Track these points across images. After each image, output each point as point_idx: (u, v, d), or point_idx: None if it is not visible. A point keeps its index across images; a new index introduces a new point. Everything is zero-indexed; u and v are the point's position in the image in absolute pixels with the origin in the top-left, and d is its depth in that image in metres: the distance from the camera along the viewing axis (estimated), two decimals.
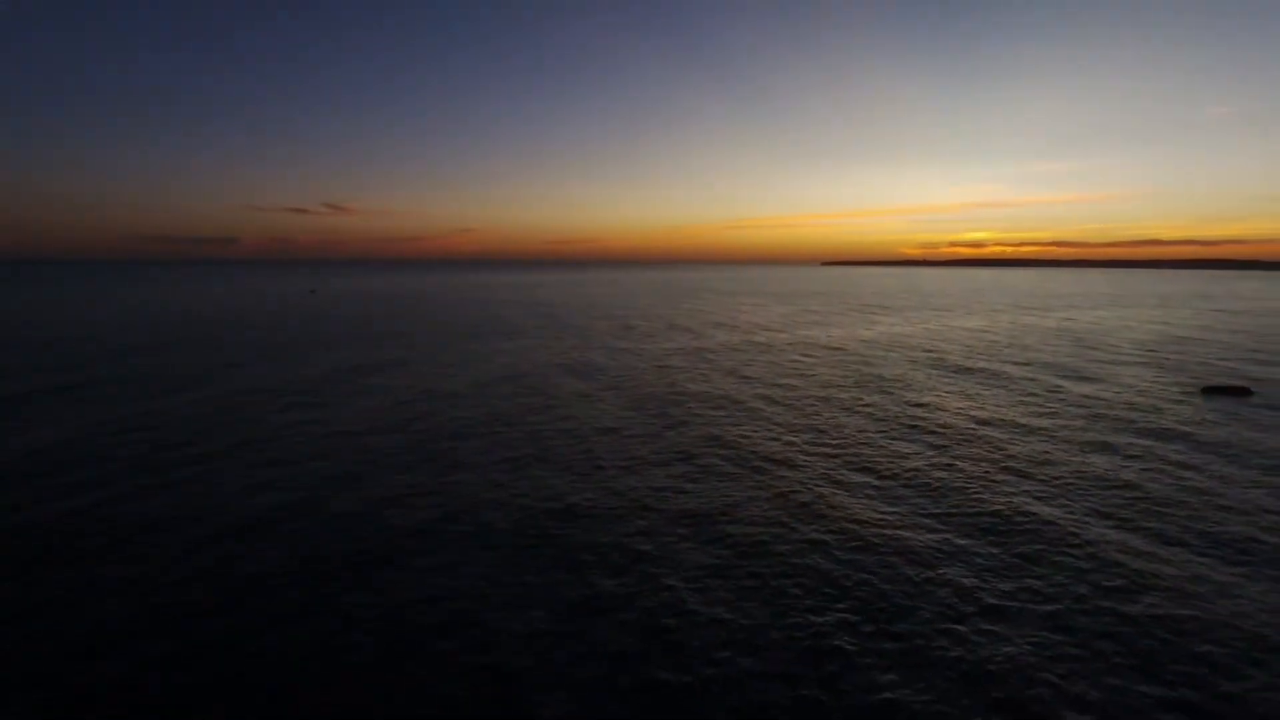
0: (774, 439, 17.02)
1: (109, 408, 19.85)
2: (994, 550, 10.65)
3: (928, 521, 11.79)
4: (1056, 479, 14.13)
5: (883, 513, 12.19)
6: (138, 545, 10.69)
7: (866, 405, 20.84)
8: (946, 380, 25.51)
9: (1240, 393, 22.43)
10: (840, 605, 8.91)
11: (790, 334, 42.66)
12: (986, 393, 22.89)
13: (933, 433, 17.67)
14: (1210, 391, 22.77)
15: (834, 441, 16.80)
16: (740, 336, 40.95)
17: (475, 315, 55.60)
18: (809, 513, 12.17)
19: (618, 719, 6.74)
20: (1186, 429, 18.10)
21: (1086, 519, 11.96)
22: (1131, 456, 15.65)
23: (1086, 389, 23.86)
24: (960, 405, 20.92)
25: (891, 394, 22.59)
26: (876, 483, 13.79)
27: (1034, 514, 12.13)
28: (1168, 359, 31.46)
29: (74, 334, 38.91)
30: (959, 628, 8.37)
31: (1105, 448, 16.40)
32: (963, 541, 10.93)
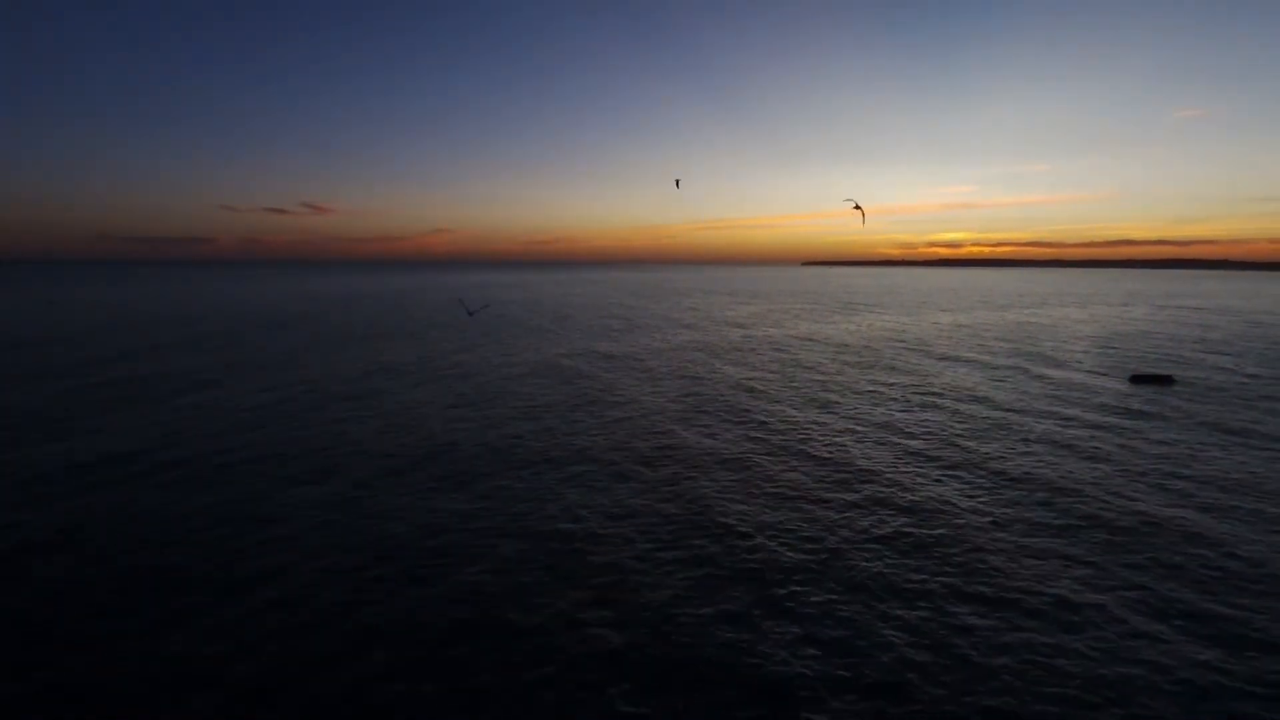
0: (779, 408, 19.48)
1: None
2: (931, 477, 13.20)
3: (888, 456, 14.33)
4: (990, 438, 16.72)
5: (856, 447, 14.72)
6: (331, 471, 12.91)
7: (857, 382, 23.43)
8: (916, 364, 28.16)
9: (1163, 380, 25.30)
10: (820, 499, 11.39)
11: (784, 329, 45.30)
12: (945, 375, 25.52)
13: (901, 401, 20.26)
14: (1137, 379, 25.63)
15: (832, 408, 19.33)
16: (739, 332, 43.50)
17: (486, 314, 57.64)
18: (809, 448, 14.69)
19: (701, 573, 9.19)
20: (1105, 405, 20.89)
21: (1007, 457, 14.59)
22: (1052, 425, 18.29)
23: (1030, 374, 26.68)
24: (924, 383, 23.51)
25: (871, 373, 25.20)
26: (861, 431, 16.36)
27: (969, 457, 14.71)
28: (1111, 351, 34.50)
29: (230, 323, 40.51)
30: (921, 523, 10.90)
31: (1033, 418, 19.07)
32: (906, 467, 13.48)
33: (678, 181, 26.80)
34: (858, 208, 20.04)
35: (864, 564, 10.41)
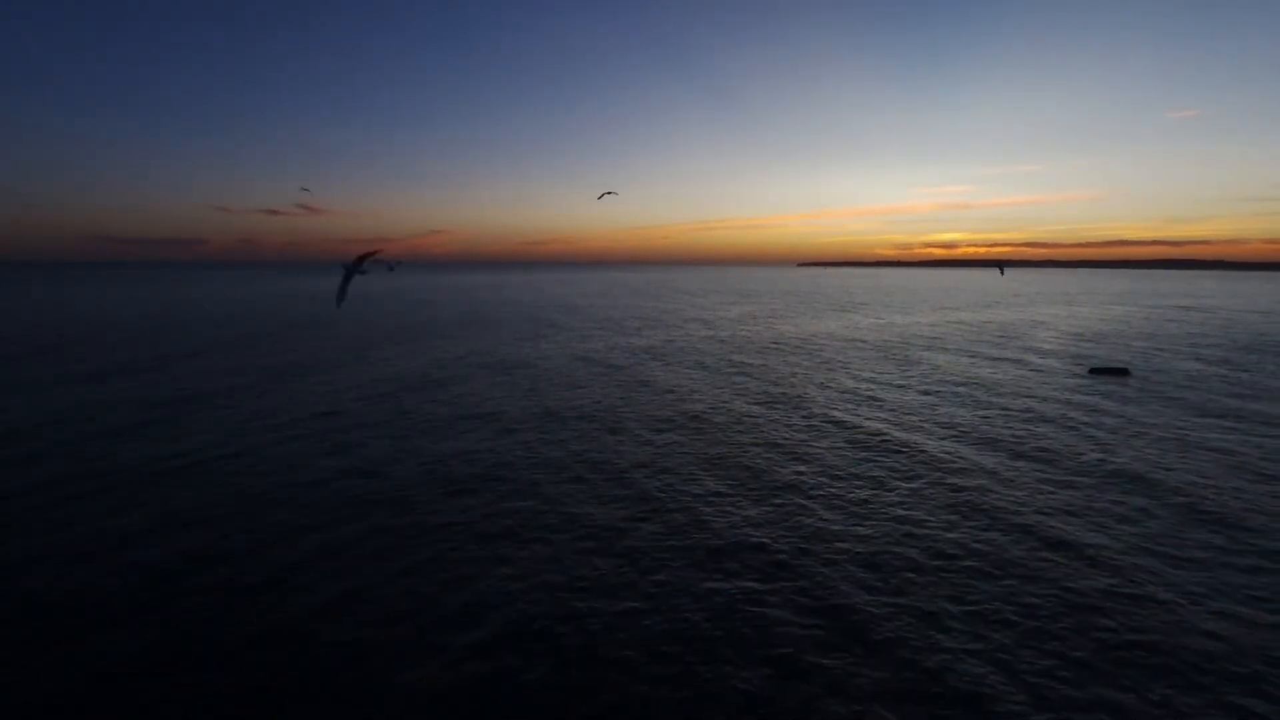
0: (780, 388, 21.68)
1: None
2: (902, 464, 15.37)
3: (879, 426, 16.51)
4: (955, 415, 18.88)
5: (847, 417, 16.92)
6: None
7: (849, 370, 25.63)
8: (903, 356, 30.43)
9: (1120, 372, 27.50)
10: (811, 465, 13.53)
11: (791, 325, 47.53)
12: (924, 365, 27.74)
13: (884, 384, 22.52)
14: (1096, 371, 27.83)
15: (833, 389, 21.53)
16: (747, 328, 45.72)
17: (509, 313, 59.81)
18: (809, 419, 16.88)
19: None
20: (1061, 392, 23.11)
21: (969, 427, 16.76)
22: (1009, 407, 20.46)
23: (999, 366, 28.95)
24: (906, 371, 25.74)
25: (860, 365, 27.40)
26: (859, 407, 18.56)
27: (933, 426, 16.88)
28: (1082, 346, 36.77)
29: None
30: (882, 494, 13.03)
31: (995, 404, 21.24)
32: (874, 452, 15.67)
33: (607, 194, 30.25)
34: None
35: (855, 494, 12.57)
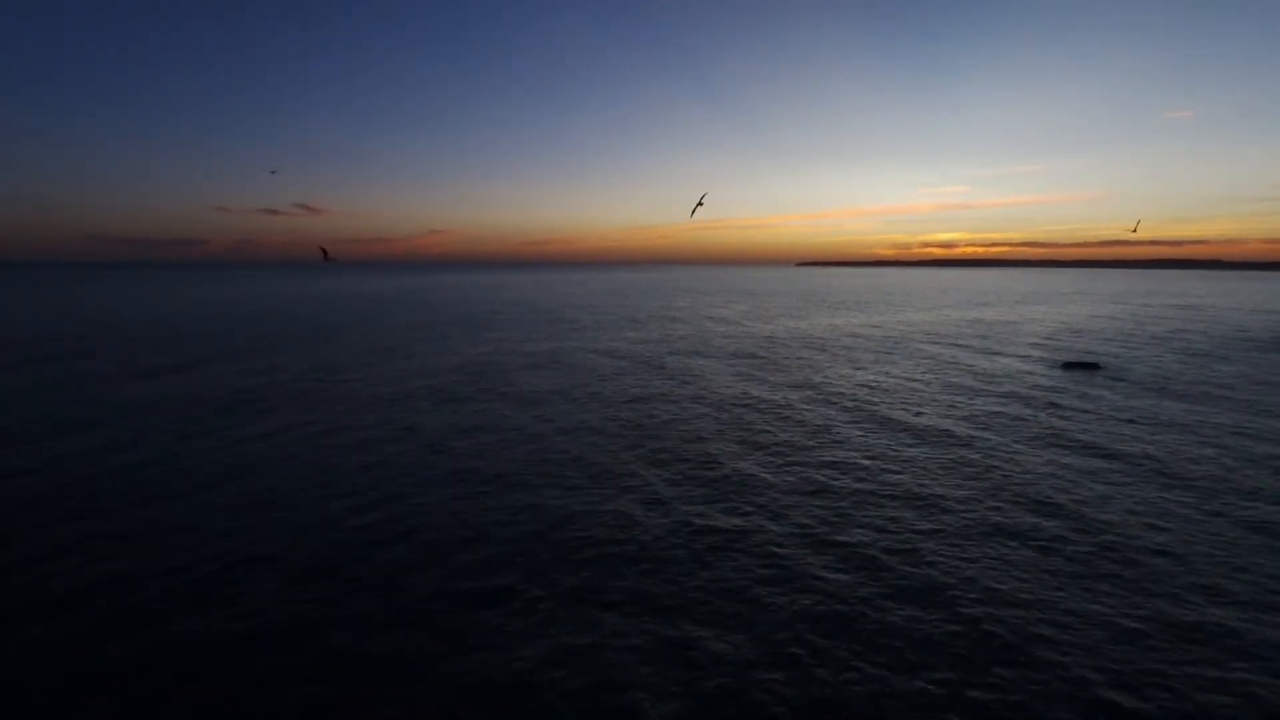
0: (766, 375, 23.85)
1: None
2: (885, 443, 17.50)
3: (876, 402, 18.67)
4: (937, 409, 21.02)
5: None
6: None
7: (846, 361, 27.82)
8: (895, 349, 32.66)
9: (1091, 367, 29.60)
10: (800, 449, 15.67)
11: (794, 321, 49.69)
12: (912, 358, 29.92)
13: (874, 374, 24.72)
14: (1069, 366, 29.95)
15: (831, 386, 23.74)
16: (754, 325, 47.92)
17: (523, 312, 61.90)
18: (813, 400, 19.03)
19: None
20: (1031, 384, 25.26)
21: (946, 427, 18.90)
22: (983, 398, 22.61)
23: (979, 359, 31.17)
24: (897, 365, 27.88)
25: (852, 358, 29.57)
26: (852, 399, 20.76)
27: (917, 424, 19.02)
28: (1060, 342, 38.97)
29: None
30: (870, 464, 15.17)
31: (968, 390, 23.41)
32: (856, 430, 17.82)
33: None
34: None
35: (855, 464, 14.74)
